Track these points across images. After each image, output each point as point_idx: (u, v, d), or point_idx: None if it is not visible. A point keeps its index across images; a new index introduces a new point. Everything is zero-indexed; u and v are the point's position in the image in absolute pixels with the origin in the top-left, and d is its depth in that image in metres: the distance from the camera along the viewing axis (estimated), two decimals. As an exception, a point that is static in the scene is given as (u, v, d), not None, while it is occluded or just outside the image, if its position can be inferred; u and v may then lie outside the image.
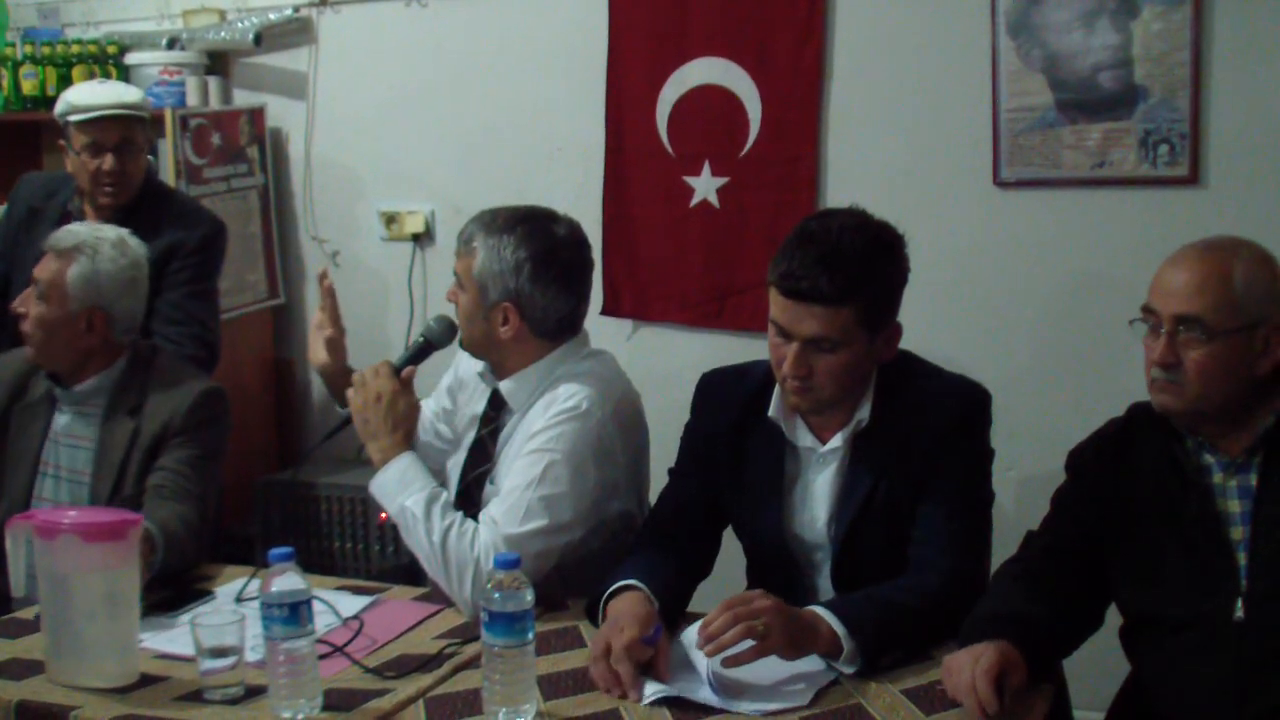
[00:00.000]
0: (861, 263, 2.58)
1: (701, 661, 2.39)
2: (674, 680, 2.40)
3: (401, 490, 2.84)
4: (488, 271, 2.92)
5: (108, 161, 3.89)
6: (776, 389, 2.76)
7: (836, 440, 2.74)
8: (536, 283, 2.92)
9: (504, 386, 3.02)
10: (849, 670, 2.42)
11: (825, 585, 2.79)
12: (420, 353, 3.03)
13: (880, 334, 2.66)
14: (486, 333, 2.97)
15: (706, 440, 2.89)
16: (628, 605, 2.53)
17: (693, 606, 2.78)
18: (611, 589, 2.60)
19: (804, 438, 2.78)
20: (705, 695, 2.35)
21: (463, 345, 3.06)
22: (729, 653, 2.34)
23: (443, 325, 3.06)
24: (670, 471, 2.96)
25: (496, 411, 3.06)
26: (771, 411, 2.77)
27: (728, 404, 2.87)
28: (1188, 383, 2.40)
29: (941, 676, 2.31)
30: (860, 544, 2.72)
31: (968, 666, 2.24)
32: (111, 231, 3.33)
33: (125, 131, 3.92)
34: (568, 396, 2.90)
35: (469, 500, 2.98)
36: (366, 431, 2.92)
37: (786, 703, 2.34)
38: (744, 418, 2.83)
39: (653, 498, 3.19)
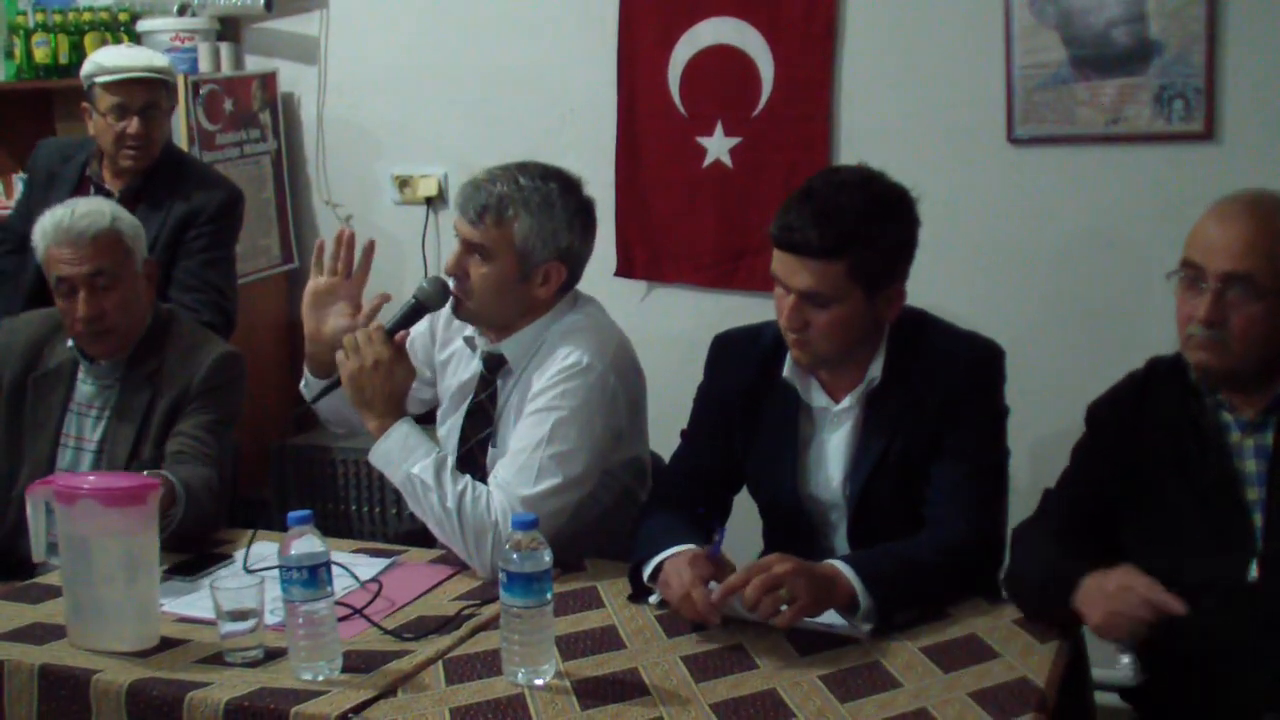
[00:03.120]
0: (856, 219, 2.57)
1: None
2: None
3: (405, 457, 2.80)
4: (537, 233, 2.87)
5: (133, 124, 3.91)
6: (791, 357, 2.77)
7: (849, 399, 2.74)
8: (585, 234, 2.95)
9: (505, 348, 2.98)
10: (865, 628, 2.42)
11: (842, 544, 2.80)
12: (413, 315, 2.94)
13: (880, 293, 2.65)
14: (520, 296, 2.92)
15: (721, 401, 2.89)
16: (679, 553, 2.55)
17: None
18: (654, 561, 2.60)
19: (818, 397, 2.78)
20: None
21: (472, 315, 2.98)
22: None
23: (435, 287, 2.96)
24: (682, 433, 2.97)
25: (493, 374, 3.03)
26: (786, 372, 2.77)
27: (741, 365, 2.87)
28: (1232, 341, 2.36)
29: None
30: (875, 503, 2.73)
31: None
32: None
33: (151, 95, 3.95)
34: (566, 354, 2.88)
35: (472, 465, 2.95)
36: (361, 399, 2.85)
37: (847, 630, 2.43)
38: (758, 378, 2.83)
39: (653, 442, 3.21)
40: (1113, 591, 2.29)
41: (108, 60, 3.98)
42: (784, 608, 2.38)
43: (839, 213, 2.57)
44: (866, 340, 2.71)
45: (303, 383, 3.15)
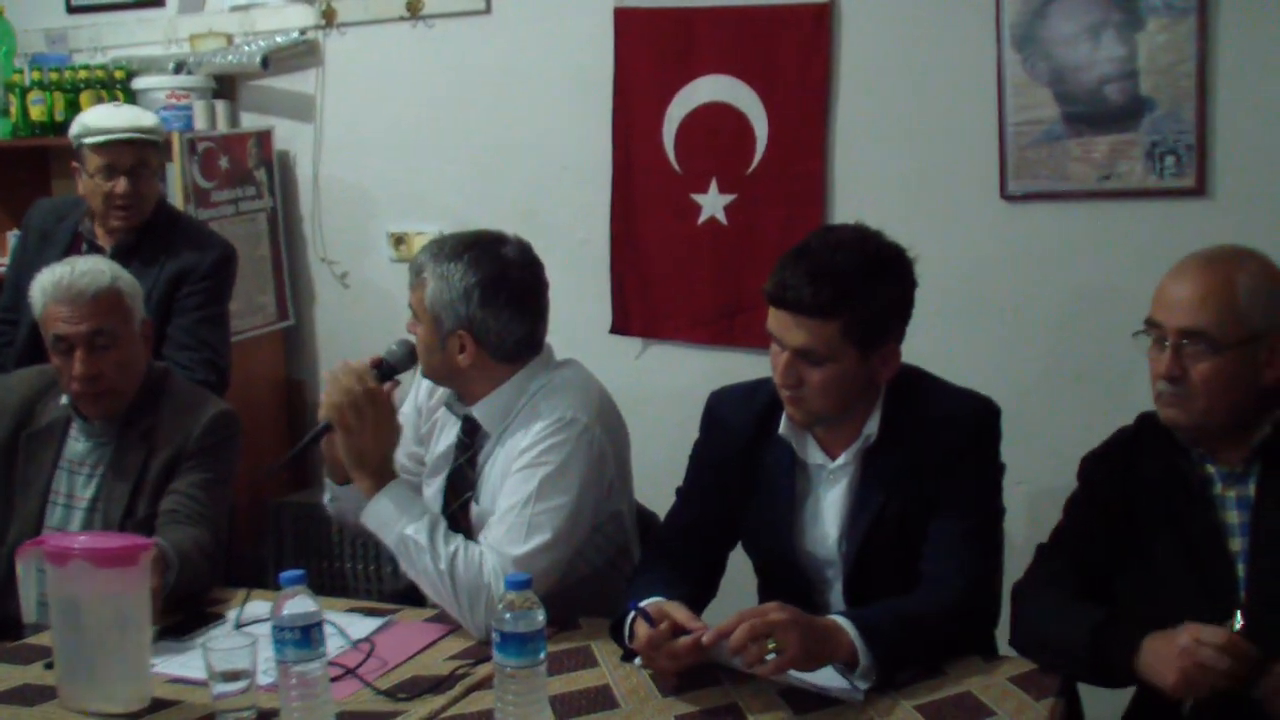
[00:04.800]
0: (851, 279, 2.57)
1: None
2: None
3: (399, 518, 2.79)
4: (439, 301, 2.88)
5: (121, 184, 3.92)
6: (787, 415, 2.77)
7: (845, 456, 2.74)
8: (488, 308, 2.88)
9: (477, 411, 2.98)
10: (864, 686, 2.41)
11: (837, 601, 2.79)
12: (381, 380, 2.91)
13: (875, 352, 2.64)
14: (445, 362, 2.93)
15: (716, 458, 2.89)
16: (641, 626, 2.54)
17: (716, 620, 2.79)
18: (634, 612, 2.59)
19: (814, 454, 2.78)
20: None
21: (424, 374, 3.03)
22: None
23: (404, 349, 2.97)
24: (678, 491, 2.96)
25: (471, 438, 3.03)
26: (782, 429, 2.77)
27: (738, 422, 2.86)
28: (1194, 396, 2.39)
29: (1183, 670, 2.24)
30: (871, 560, 2.72)
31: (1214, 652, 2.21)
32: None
33: (139, 155, 3.96)
34: (550, 410, 2.88)
35: (455, 528, 2.90)
36: (359, 459, 2.84)
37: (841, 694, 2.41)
38: (754, 436, 2.83)
39: (649, 499, 3.22)
40: (1185, 646, 2.22)
41: (94, 121, 4.00)
42: (771, 657, 2.36)
43: (834, 272, 2.57)
44: (862, 398, 2.71)
45: (327, 496, 3.12)
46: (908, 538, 2.69)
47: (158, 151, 4.07)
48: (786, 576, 2.84)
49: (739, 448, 2.84)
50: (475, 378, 2.95)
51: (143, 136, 3.97)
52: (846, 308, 2.56)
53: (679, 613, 2.50)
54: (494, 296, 2.89)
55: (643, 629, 2.49)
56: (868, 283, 2.59)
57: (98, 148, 3.92)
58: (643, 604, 2.53)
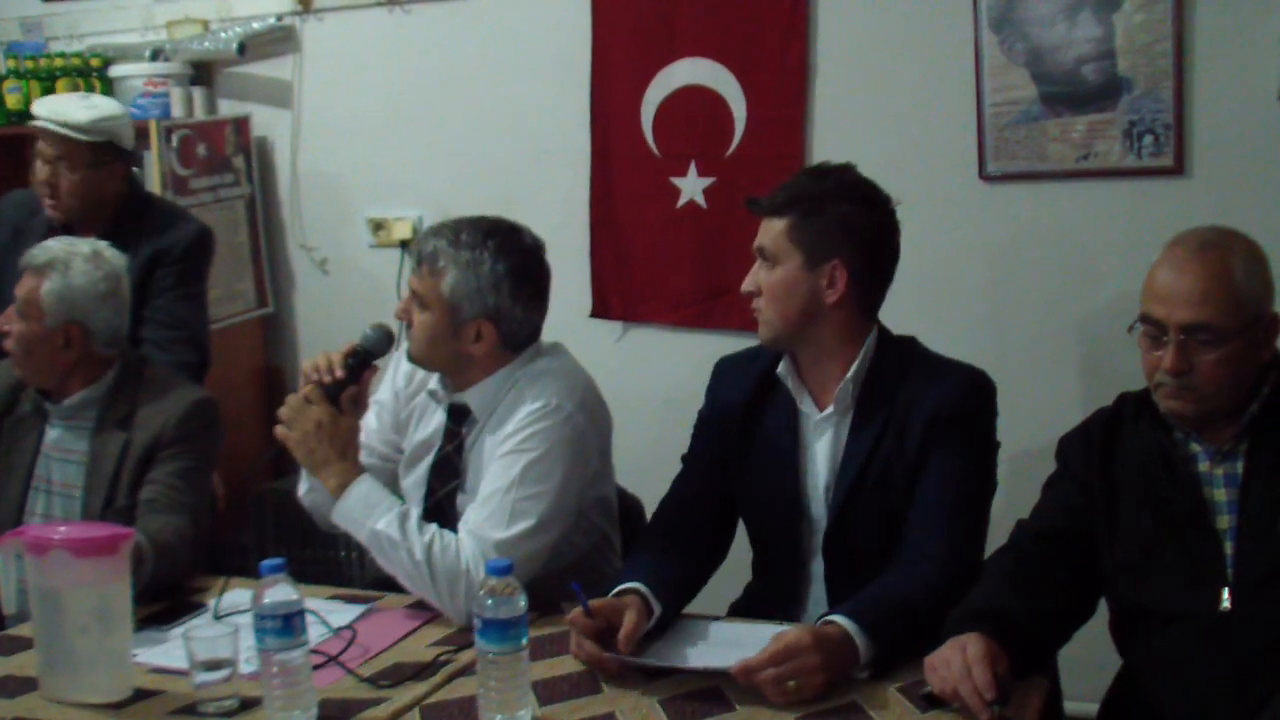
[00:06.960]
0: (812, 190, 2.77)
1: (705, 657, 2.48)
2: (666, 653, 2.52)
3: (368, 514, 2.77)
4: (463, 289, 2.86)
5: (42, 171, 3.90)
6: (785, 357, 2.84)
7: (832, 406, 2.78)
8: (515, 297, 2.88)
9: (469, 398, 2.97)
10: (862, 676, 2.40)
11: (816, 548, 2.83)
12: (359, 367, 2.90)
13: (820, 265, 2.72)
14: (455, 350, 2.91)
15: (720, 417, 2.93)
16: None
17: (708, 602, 2.83)
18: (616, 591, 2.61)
19: (806, 404, 2.83)
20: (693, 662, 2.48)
21: (415, 360, 2.98)
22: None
23: (380, 334, 2.94)
24: (683, 458, 2.99)
25: (458, 425, 3.01)
26: (780, 368, 2.83)
27: (741, 381, 2.92)
28: (1201, 386, 2.38)
29: (925, 675, 2.29)
30: (853, 513, 2.75)
31: (957, 656, 2.23)
32: (86, 245, 3.30)
33: (60, 149, 3.87)
34: (534, 397, 2.87)
35: (440, 517, 2.91)
36: (314, 461, 2.84)
37: None
38: (755, 396, 2.88)
39: (631, 481, 3.24)
40: (938, 661, 2.27)
41: (38, 107, 3.97)
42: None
43: (799, 184, 2.80)
44: (812, 323, 2.75)
45: (303, 487, 3.09)
46: (891, 496, 2.72)
47: (92, 151, 3.90)
48: (778, 534, 2.87)
49: (741, 408, 2.89)
50: (478, 365, 2.94)
51: (62, 131, 3.86)
52: (795, 207, 2.74)
53: (628, 618, 2.51)
54: (521, 286, 2.89)
55: (578, 614, 2.51)
56: (824, 195, 2.76)
57: (35, 131, 3.93)
58: (593, 603, 2.53)
